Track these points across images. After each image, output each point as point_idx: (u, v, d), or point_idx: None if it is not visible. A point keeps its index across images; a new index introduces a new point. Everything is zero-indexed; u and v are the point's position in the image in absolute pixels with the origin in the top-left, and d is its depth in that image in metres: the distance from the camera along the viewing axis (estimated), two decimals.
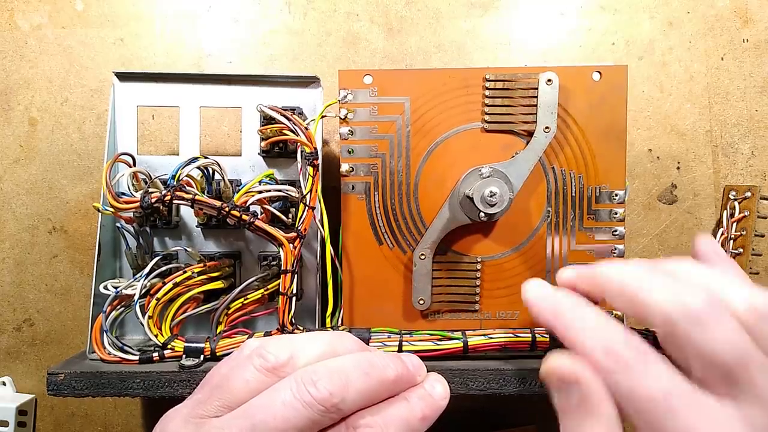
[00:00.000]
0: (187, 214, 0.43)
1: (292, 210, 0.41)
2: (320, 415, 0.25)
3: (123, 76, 0.43)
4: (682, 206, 0.51)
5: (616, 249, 0.40)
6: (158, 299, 0.38)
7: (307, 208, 0.37)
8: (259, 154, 0.43)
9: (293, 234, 0.37)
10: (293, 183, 0.41)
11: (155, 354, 0.37)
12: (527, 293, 0.33)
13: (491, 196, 0.36)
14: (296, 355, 0.28)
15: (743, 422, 0.25)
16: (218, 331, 0.38)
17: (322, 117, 0.40)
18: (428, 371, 0.33)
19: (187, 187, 0.37)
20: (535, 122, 0.38)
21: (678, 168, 0.52)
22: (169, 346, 0.37)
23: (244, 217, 0.37)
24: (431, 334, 0.37)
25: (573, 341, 0.28)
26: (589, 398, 0.26)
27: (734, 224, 0.49)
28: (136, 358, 0.37)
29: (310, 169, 0.38)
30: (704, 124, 0.51)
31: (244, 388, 0.27)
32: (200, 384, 0.29)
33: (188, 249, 0.41)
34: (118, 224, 0.41)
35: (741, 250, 0.48)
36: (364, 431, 0.26)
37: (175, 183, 0.36)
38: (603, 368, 0.26)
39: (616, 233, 0.40)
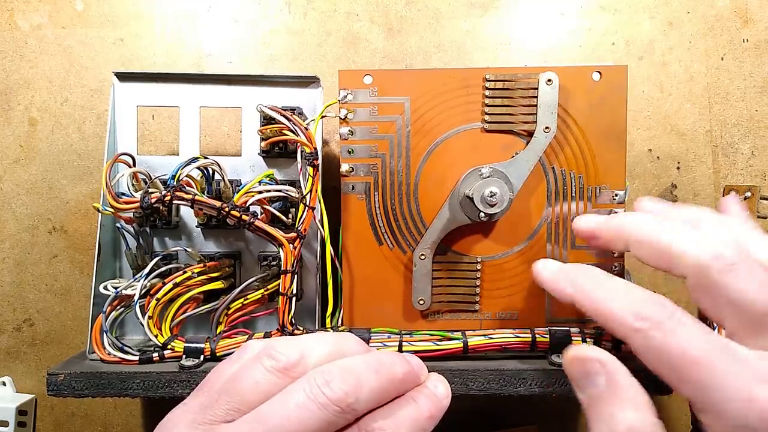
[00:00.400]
0: (187, 214, 0.43)
1: (292, 210, 0.41)
2: (335, 415, 0.25)
3: (123, 76, 0.43)
4: None
5: None
6: (158, 299, 0.38)
7: (307, 208, 0.37)
8: (259, 154, 0.43)
9: (293, 234, 0.37)
10: (293, 183, 0.41)
11: (155, 354, 0.37)
12: (541, 273, 0.33)
13: (491, 196, 0.36)
14: (306, 355, 0.27)
15: None
16: (218, 332, 0.38)
17: (322, 117, 0.40)
18: (428, 371, 0.33)
19: (187, 188, 0.37)
20: (535, 122, 0.38)
21: (678, 168, 0.52)
22: (169, 347, 0.37)
23: (244, 217, 0.37)
24: (431, 335, 0.37)
25: (598, 309, 0.28)
26: (617, 381, 0.26)
27: None
28: (136, 358, 0.37)
29: (310, 169, 0.38)
30: (704, 124, 0.51)
31: (254, 391, 0.26)
32: (199, 387, 0.28)
33: (188, 249, 0.41)
34: (118, 224, 0.41)
35: None
36: None
37: (174, 183, 0.36)
38: (635, 330, 0.26)
39: None
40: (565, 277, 0.31)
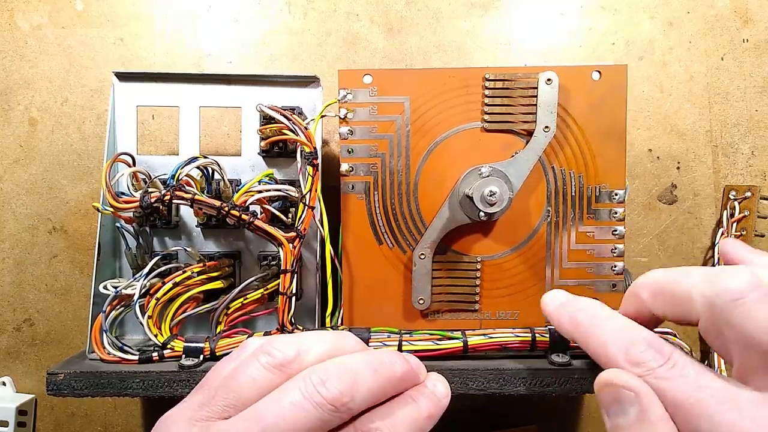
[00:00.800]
0: (187, 214, 0.43)
1: (292, 210, 0.41)
2: (330, 414, 0.25)
3: (123, 76, 0.43)
4: (682, 206, 0.51)
5: (616, 248, 0.40)
6: (158, 299, 0.38)
7: (306, 207, 0.37)
8: (258, 153, 0.43)
9: (293, 234, 0.37)
10: (293, 183, 0.41)
11: (155, 354, 0.37)
12: (547, 306, 0.32)
13: (491, 196, 0.36)
14: (303, 352, 0.27)
15: None
16: (218, 331, 0.38)
17: (322, 117, 0.40)
18: (428, 371, 0.33)
19: (187, 187, 0.37)
20: (535, 122, 0.38)
21: (678, 168, 0.51)
22: (168, 346, 0.37)
23: (244, 216, 0.37)
24: (431, 334, 0.37)
25: (593, 349, 0.27)
26: (649, 414, 0.24)
27: (734, 224, 0.49)
28: (136, 357, 0.37)
29: (309, 169, 0.37)
30: (704, 124, 0.51)
31: (251, 387, 0.26)
32: (199, 385, 0.28)
33: (188, 249, 0.41)
34: (117, 224, 0.41)
35: None
36: None
37: (174, 183, 0.36)
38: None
39: (616, 233, 0.40)
40: (566, 313, 0.30)
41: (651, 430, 0.24)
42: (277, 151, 0.42)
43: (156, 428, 0.26)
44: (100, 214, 0.40)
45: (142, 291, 0.38)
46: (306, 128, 0.38)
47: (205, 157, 0.38)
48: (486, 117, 0.39)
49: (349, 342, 0.29)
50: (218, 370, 0.28)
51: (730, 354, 0.25)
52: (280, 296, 0.37)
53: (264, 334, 0.38)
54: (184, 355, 0.37)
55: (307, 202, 0.37)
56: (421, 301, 0.39)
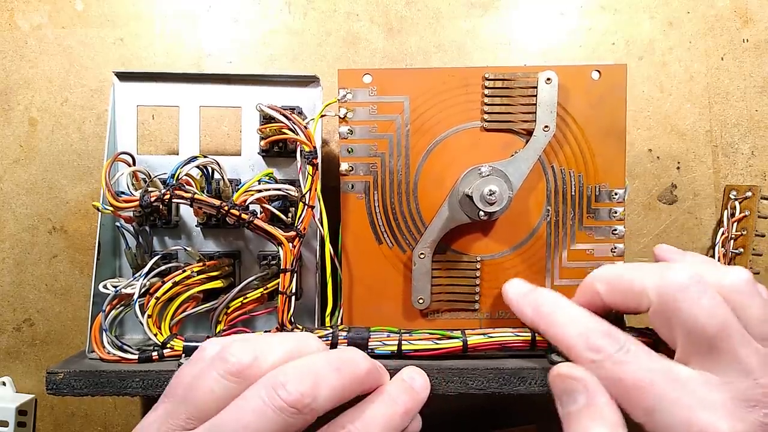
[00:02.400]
0: (187, 213, 0.43)
1: (292, 209, 0.41)
2: (294, 418, 0.24)
3: (123, 76, 0.43)
4: (682, 206, 0.51)
5: (615, 248, 0.40)
6: (157, 298, 0.38)
7: (306, 207, 0.37)
8: (258, 153, 0.43)
9: (293, 233, 0.37)
10: (293, 182, 0.41)
11: (154, 353, 0.37)
12: (508, 293, 0.35)
13: (490, 195, 0.36)
14: (261, 357, 0.27)
15: (726, 391, 0.26)
16: (217, 331, 0.38)
17: (322, 116, 0.40)
18: (426, 371, 0.33)
19: (187, 186, 0.37)
20: (535, 121, 0.38)
21: (678, 168, 0.51)
22: (168, 346, 0.37)
23: (244, 215, 0.37)
24: (431, 333, 0.37)
25: (554, 336, 0.30)
26: (595, 401, 0.27)
27: (735, 224, 0.49)
28: (136, 357, 0.37)
29: (309, 168, 0.37)
30: (704, 124, 0.51)
31: (209, 399, 0.26)
32: (164, 393, 0.28)
33: (188, 248, 0.41)
34: (117, 223, 0.41)
35: (741, 249, 0.48)
36: None
37: (174, 182, 0.36)
38: (590, 360, 0.28)
39: (616, 232, 0.40)
40: (528, 302, 0.33)
41: (598, 414, 0.26)
42: (277, 150, 0.42)
43: None
44: (100, 213, 0.40)
45: (142, 290, 0.38)
46: (306, 127, 0.38)
47: (205, 157, 0.38)
48: (486, 116, 0.39)
49: (311, 343, 0.29)
50: (179, 377, 0.28)
51: (675, 339, 0.28)
52: (279, 295, 0.37)
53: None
54: (183, 355, 0.37)
55: (306, 202, 0.37)
56: (421, 301, 0.39)
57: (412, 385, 0.29)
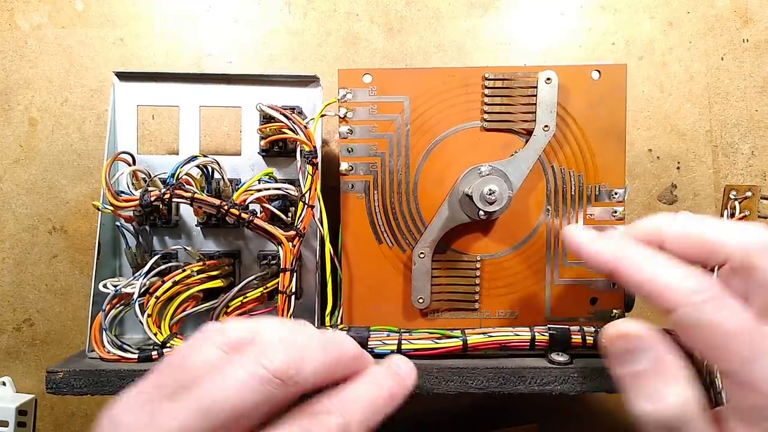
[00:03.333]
0: (187, 213, 0.43)
1: (292, 209, 0.41)
2: (277, 389, 0.24)
3: (123, 76, 0.43)
4: (682, 206, 0.51)
5: None
6: (157, 298, 0.38)
7: (306, 206, 0.37)
8: (258, 153, 0.43)
9: (292, 232, 0.37)
10: (293, 182, 0.41)
11: (154, 352, 0.37)
12: (577, 237, 0.31)
13: (490, 194, 0.36)
14: (258, 335, 0.27)
15: None
16: None
17: (322, 116, 0.40)
18: (426, 370, 0.33)
19: (187, 186, 0.37)
20: (535, 121, 0.38)
21: (678, 168, 0.51)
22: (168, 345, 0.37)
23: (244, 215, 0.37)
24: (430, 333, 0.37)
25: (649, 281, 0.27)
26: (664, 360, 0.26)
27: None
28: (135, 356, 0.37)
29: (309, 168, 0.38)
30: (704, 124, 0.51)
31: (203, 367, 0.25)
32: (160, 364, 0.27)
33: (188, 248, 0.41)
34: (117, 223, 0.41)
35: None
36: (321, 418, 0.25)
37: (174, 181, 0.36)
38: (688, 303, 0.26)
39: None
40: (607, 248, 0.29)
41: (668, 373, 0.25)
42: (277, 150, 0.42)
43: (107, 417, 0.25)
44: (100, 213, 0.40)
45: (142, 290, 0.38)
46: (306, 127, 0.38)
47: (205, 156, 0.39)
48: (485, 116, 0.39)
49: (307, 329, 0.28)
50: (177, 349, 0.28)
51: (754, 296, 0.26)
52: (279, 295, 0.37)
53: None
54: None
55: (306, 201, 0.37)
56: (421, 300, 0.39)
57: (398, 371, 0.29)
